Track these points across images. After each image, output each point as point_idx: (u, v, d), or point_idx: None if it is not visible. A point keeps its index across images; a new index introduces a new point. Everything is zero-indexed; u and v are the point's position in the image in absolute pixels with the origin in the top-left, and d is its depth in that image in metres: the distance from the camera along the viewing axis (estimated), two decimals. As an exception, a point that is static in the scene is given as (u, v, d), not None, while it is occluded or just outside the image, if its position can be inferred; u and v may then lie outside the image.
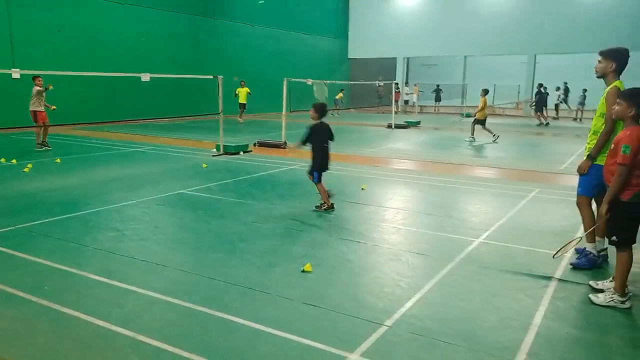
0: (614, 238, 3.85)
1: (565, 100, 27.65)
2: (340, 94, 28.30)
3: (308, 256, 4.93)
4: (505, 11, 28.34)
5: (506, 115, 29.19)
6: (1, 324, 3.47)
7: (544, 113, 23.35)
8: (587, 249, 4.62)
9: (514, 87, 32.19)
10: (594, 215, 4.59)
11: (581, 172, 4.52)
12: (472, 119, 16.39)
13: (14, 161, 10.12)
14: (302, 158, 11.34)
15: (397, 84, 29.04)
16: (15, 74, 10.66)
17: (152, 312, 3.69)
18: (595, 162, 4.43)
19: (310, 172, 6.73)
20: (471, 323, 3.55)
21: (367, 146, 14.28)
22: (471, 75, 32.11)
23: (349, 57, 34.25)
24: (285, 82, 13.44)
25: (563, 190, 8.27)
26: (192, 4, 22.58)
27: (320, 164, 6.68)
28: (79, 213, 6.38)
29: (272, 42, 27.47)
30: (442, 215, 6.66)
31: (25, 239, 5.33)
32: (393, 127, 19.48)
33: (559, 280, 4.38)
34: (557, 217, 6.58)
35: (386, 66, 34.60)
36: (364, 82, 30.03)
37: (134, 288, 4.09)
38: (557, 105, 26.94)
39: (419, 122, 21.47)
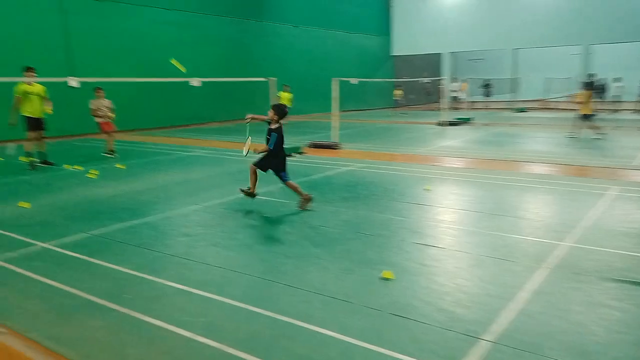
0: None
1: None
2: (399, 92, 27.94)
3: (383, 261, 4.75)
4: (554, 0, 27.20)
5: (560, 109, 28.00)
6: (88, 333, 3.46)
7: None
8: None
9: (566, 80, 30.88)
10: None
11: None
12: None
13: (79, 168, 10.41)
14: (357, 159, 11.18)
15: (439, 79, 28.46)
16: (73, 82, 11.01)
17: (235, 322, 3.60)
18: None
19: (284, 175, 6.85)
20: (579, 337, 3.27)
21: (421, 144, 13.95)
22: (521, 69, 31.00)
23: (393, 54, 33.77)
24: (334, 83, 13.28)
25: (643, 187, 7.74)
26: (237, 8, 22.78)
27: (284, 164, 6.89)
28: (148, 219, 6.43)
29: (315, 42, 27.42)
30: (514, 216, 6.33)
31: (99, 245, 5.38)
32: (444, 124, 19.00)
33: (666, 288, 4.02)
34: (645, 218, 6.13)
35: (431, 62, 33.95)
36: (408, 80, 29.53)
37: (213, 296, 4.02)
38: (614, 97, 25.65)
39: (470, 119, 20.87)
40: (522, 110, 26.65)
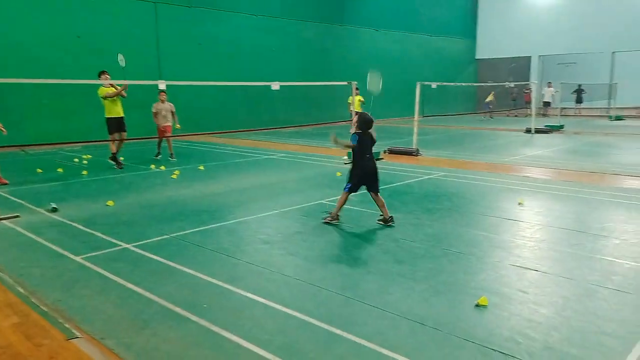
0: None
1: None
2: (491, 96, 26.68)
3: (476, 284, 4.29)
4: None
5: (664, 117, 25.47)
6: (166, 348, 3.31)
7: None
8: None
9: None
10: None
11: None
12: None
13: (162, 167, 10.70)
14: (439, 167, 10.63)
15: (527, 84, 26.86)
16: (162, 85, 11.37)
17: (315, 344, 3.32)
18: None
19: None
20: None
21: (508, 153, 13.09)
22: (618, 73, 28.57)
23: (477, 57, 32.41)
24: (418, 87, 12.78)
25: None
26: (319, 12, 22.79)
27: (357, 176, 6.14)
28: (226, 222, 6.36)
29: (397, 45, 26.84)
30: (622, 238, 5.58)
31: (178, 248, 5.34)
32: (533, 131, 17.78)
33: None
34: None
35: (518, 66, 32.20)
36: (493, 84, 28.11)
37: (291, 312, 3.78)
38: None
39: (561, 126, 19.44)
40: (619, 118, 24.53)
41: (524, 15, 29.83)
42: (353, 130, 6.38)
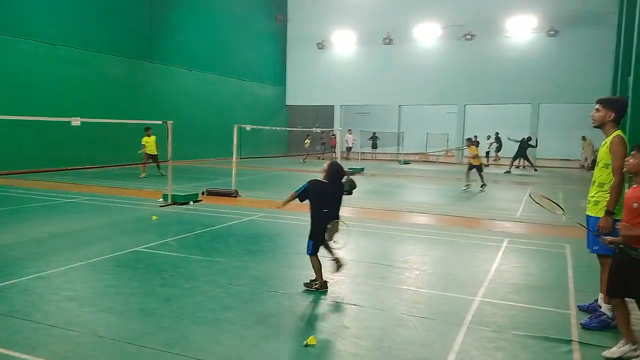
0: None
1: (498, 149, 29.15)
2: (307, 141, 28.20)
3: (302, 323, 4.39)
4: (436, 64, 29.84)
5: (440, 162, 30.20)
6: None
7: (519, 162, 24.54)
8: (602, 309, 4.44)
9: (444, 135, 33.59)
10: None
11: (607, 231, 4.21)
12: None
13: None
14: (257, 208, 10.79)
15: (332, 131, 29.40)
16: None
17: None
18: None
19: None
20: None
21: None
22: (404, 124, 33.19)
23: (287, 103, 34.39)
24: (235, 129, 12.95)
25: (531, 239, 8.29)
26: (125, 46, 21.69)
27: (317, 233, 5.31)
28: (20, 279, 5.42)
29: (210, 87, 26.99)
30: (424, 269, 6.35)
31: (-45, 316, 4.36)
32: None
33: (580, 343, 4.13)
34: (541, 270, 6.50)
35: (323, 113, 35.04)
36: (301, 129, 30.04)
37: (109, 378, 3.35)
38: (487, 153, 28.31)
39: (362, 169, 21.58)
40: (406, 162, 28.27)
41: (327, 67, 32.82)
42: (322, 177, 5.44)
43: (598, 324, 4.40)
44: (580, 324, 4.47)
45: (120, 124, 17.89)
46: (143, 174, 16.59)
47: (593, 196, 4.51)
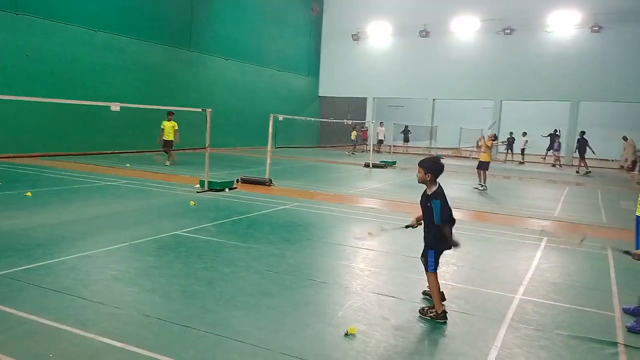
0: None
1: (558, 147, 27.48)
2: (354, 132, 28.38)
3: (342, 313, 4.42)
4: (473, 58, 29.30)
5: (473, 158, 29.71)
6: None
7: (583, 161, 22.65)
8: (650, 312, 4.33)
9: (478, 131, 32.92)
10: None
11: None
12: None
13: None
14: (290, 197, 10.86)
15: (363, 123, 29.25)
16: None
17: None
18: None
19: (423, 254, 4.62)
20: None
21: (352, 186, 13.93)
22: (438, 118, 32.76)
23: (320, 94, 34.38)
24: (271, 118, 13.04)
25: (571, 239, 8.09)
26: (164, 34, 22.04)
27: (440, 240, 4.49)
28: (68, 257, 5.62)
29: (245, 76, 27.22)
30: (462, 265, 6.30)
31: (10, 289, 4.56)
32: (371, 166, 19.33)
33: (626, 346, 4.03)
34: (582, 270, 6.36)
35: (355, 105, 34.90)
36: (333, 120, 29.98)
37: (156, 355, 3.45)
38: (522, 150, 27.69)
39: (394, 162, 21.44)
40: (439, 157, 27.94)
41: (361, 59, 32.62)
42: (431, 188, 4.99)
43: (645, 328, 4.29)
44: (626, 327, 4.37)
45: (157, 110, 18.24)
46: (167, 162, 15.75)
47: (644, 197, 4.38)
